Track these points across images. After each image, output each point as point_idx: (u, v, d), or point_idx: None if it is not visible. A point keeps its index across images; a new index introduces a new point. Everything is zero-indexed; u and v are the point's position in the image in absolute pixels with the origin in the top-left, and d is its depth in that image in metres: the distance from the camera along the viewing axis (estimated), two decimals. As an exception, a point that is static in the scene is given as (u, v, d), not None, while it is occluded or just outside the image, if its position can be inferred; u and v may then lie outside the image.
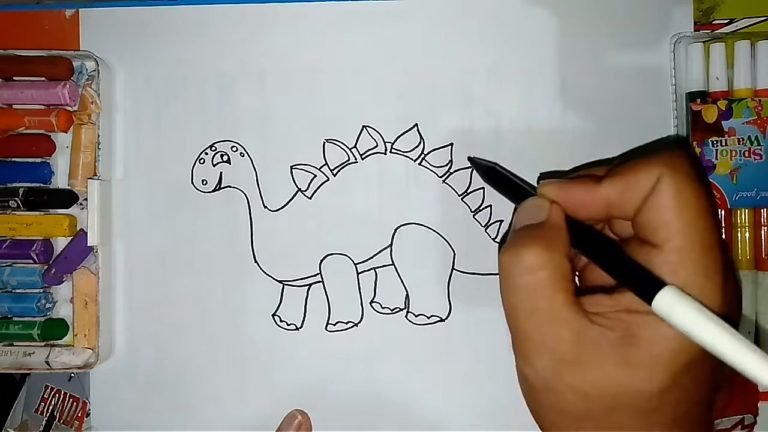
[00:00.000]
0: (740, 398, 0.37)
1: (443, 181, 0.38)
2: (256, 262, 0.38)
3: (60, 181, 0.39)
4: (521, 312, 0.26)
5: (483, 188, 0.38)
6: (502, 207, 0.37)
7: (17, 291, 0.38)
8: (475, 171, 0.37)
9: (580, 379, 0.25)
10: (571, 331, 0.25)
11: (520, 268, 0.26)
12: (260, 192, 0.38)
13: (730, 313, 0.25)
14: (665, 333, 0.24)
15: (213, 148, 0.38)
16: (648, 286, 0.24)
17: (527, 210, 0.28)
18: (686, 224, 0.25)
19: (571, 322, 0.25)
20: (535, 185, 0.30)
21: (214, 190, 0.39)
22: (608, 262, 0.26)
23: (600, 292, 0.27)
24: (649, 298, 0.24)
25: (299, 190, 0.38)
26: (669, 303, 0.23)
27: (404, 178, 0.38)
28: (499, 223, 0.38)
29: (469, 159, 0.37)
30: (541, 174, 0.36)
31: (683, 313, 0.23)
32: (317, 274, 0.38)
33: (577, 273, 0.30)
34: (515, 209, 0.30)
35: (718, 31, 0.37)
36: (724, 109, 0.35)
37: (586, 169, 0.30)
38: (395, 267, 0.38)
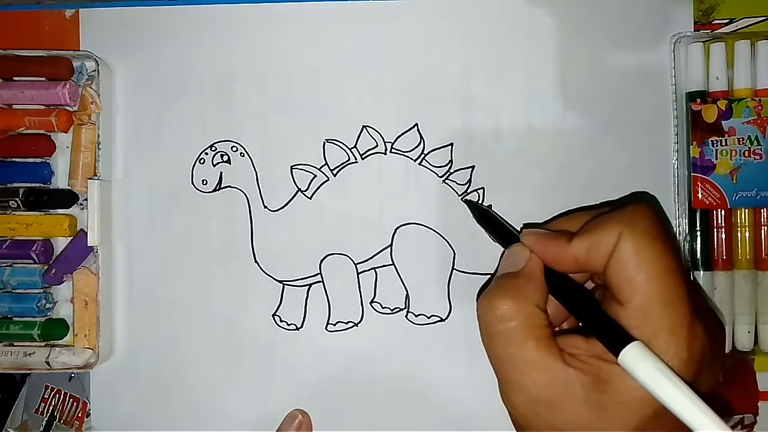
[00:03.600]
0: (740, 398, 0.37)
1: (443, 181, 0.38)
2: (256, 262, 0.38)
3: (60, 181, 0.39)
4: (498, 357, 0.28)
5: (483, 188, 0.38)
6: (503, 208, 0.38)
7: (17, 291, 0.38)
8: (470, 209, 0.37)
9: (554, 418, 0.26)
10: (543, 375, 0.26)
11: (494, 318, 0.28)
12: (260, 192, 0.38)
13: (703, 360, 0.26)
14: (632, 383, 0.25)
15: (213, 148, 0.38)
16: (616, 339, 0.25)
17: (509, 257, 0.30)
18: (646, 282, 0.26)
19: (543, 366, 0.26)
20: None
21: (214, 190, 0.39)
22: (582, 313, 0.28)
23: (580, 332, 0.28)
24: (615, 352, 0.25)
25: (299, 190, 0.38)
26: (633, 359, 0.24)
27: (404, 178, 0.38)
28: (499, 223, 0.38)
29: (465, 201, 0.38)
30: (524, 224, 0.37)
31: (644, 370, 0.24)
32: (317, 274, 0.38)
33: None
34: (502, 253, 0.31)
35: (718, 31, 0.37)
36: (724, 108, 0.35)
37: (565, 217, 0.32)
38: (395, 267, 0.38)
